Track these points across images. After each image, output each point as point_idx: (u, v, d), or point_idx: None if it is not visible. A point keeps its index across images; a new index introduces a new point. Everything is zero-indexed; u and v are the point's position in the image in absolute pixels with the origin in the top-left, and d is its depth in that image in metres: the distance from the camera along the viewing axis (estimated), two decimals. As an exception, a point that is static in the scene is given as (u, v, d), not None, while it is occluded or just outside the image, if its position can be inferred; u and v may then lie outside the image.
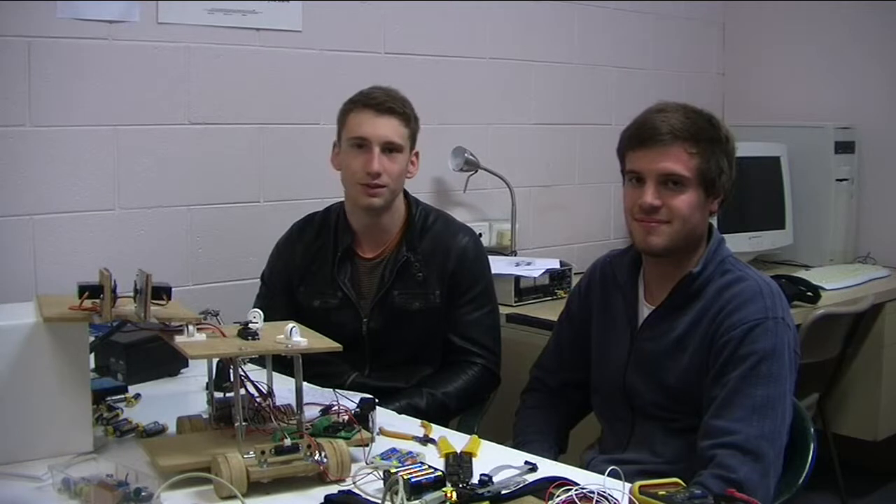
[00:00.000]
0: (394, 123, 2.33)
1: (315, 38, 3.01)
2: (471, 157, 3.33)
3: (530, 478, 1.58)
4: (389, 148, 2.32)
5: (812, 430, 2.01)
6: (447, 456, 1.69)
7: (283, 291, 2.45)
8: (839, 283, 3.44)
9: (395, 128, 2.33)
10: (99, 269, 1.67)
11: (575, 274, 3.21)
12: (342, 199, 2.51)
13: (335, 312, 2.39)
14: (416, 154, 2.44)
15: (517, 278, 3.11)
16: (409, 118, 2.36)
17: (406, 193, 2.46)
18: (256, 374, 1.74)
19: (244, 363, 1.69)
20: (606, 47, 3.88)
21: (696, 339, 1.88)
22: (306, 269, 2.44)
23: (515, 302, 3.08)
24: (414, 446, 1.77)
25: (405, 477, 1.45)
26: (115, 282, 1.64)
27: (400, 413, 2.05)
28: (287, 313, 2.21)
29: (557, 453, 2.05)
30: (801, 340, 2.08)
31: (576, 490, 1.43)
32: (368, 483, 1.57)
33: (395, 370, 2.39)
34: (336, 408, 1.77)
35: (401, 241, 2.41)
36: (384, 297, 2.38)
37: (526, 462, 1.66)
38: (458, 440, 1.81)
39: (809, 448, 1.99)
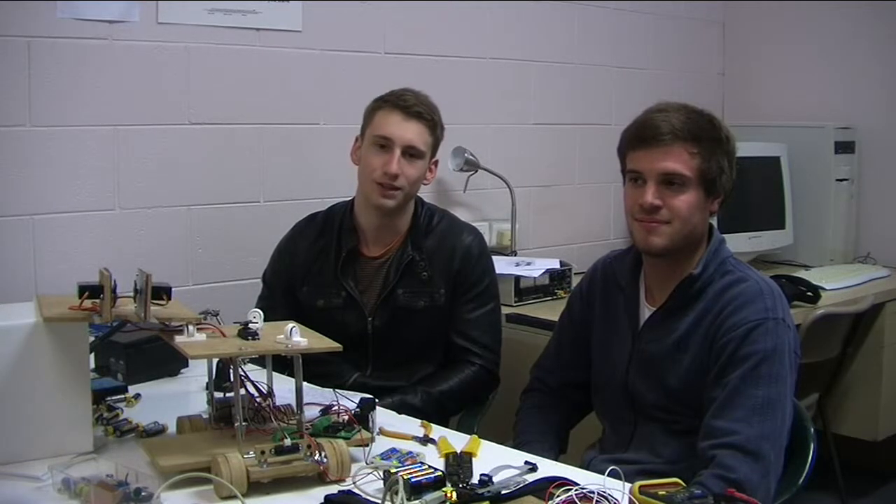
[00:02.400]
0: (420, 129, 2.34)
1: (315, 38, 3.01)
2: (471, 157, 3.33)
3: (530, 478, 1.58)
4: (411, 152, 2.33)
5: (812, 430, 2.01)
6: (447, 456, 1.69)
7: (284, 292, 2.45)
8: (839, 283, 3.44)
9: (421, 133, 2.34)
10: (99, 269, 1.67)
11: (575, 274, 3.21)
12: (344, 198, 2.51)
13: (339, 312, 2.39)
14: (436, 162, 2.45)
15: (517, 278, 3.11)
16: (435, 126, 2.37)
17: None
18: (256, 374, 1.74)
19: (244, 363, 1.69)
20: (606, 47, 3.88)
21: (697, 340, 1.88)
22: (309, 269, 2.44)
23: (515, 302, 3.08)
24: (414, 446, 1.77)
25: (405, 477, 1.45)
26: (115, 282, 1.63)
27: (393, 410, 2.05)
28: (288, 314, 2.21)
29: (558, 453, 2.05)
30: (801, 340, 2.08)
31: (576, 490, 1.43)
32: (368, 483, 1.57)
33: (397, 369, 2.39)
34: (336, 408, 1.77)
35: (406, 240, 2.41)
36: (389, 295, 2.38)
37: (526, 462, 1.66)
38: (458, 440, 1.81)
39: (809, 448, 1.99)
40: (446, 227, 2.45)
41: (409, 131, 2.33)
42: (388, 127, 2.33)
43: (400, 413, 2.02)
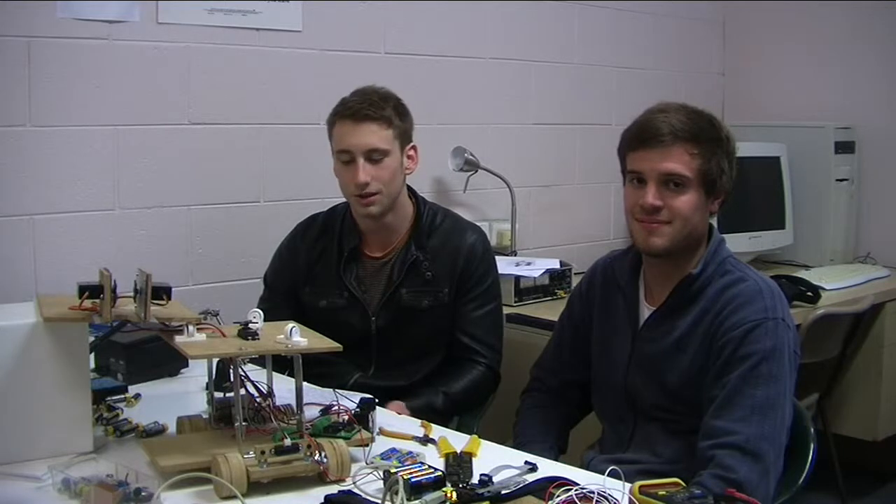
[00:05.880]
0: (373, 129, 2.29)
1: (315, 38, 3.01)
2: (471, 157, 3.33)
3: (530, 478, 1.58)
4: (374, 156, 2.29)
5: (812, 430, 2.01)
6: (447, 456, 1.69)
7: (286, 293, 2.45)
8: (839, 283, 3.44)
9: (376, 133, 2.29)
10: (99, 269, 1.67)
11: (575, 274, 3.21)
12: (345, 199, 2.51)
13: (343, 312, 2.39)
14: (414, 148, 2.41)
15: (517, 278, 3.11)
16: (389, 120, 2.31)
17: (414, 193, 2.46)
18: (256, 374, 1.74)
19: (244, 363, 1.69)
20: (606, 47, 3.88)
21: (697, 340, 1.88)
22: (311, 270, 2.44)
23: (515, 302, 3.08)
24: (414, 446, 1.77)
25: (405, 477, 1.45)
26: (115, 282, 1.64)
27: (421, 415, 2.05)
28: (289, 315, 2.20)
29: (558, 453, 2.06)
30: (801, 340, 2.09)
31: (576, 490, 1.43)
32: (368, 483, 1.57)
33: (399, 368, 2.39)
34: (336, 408, 1.77)
35: (409, 240, 2.41)
36: (392, 295, 2.38)
37: (526, 462, 1.66)
38: (458, 440, 1.81)
39: (809, 448, 1.99)
40: (449, 226, 2.45)
41: (363, 136, 2.28)
42: (343, 139, 2.30)
43: (424, 417, 2.02)
